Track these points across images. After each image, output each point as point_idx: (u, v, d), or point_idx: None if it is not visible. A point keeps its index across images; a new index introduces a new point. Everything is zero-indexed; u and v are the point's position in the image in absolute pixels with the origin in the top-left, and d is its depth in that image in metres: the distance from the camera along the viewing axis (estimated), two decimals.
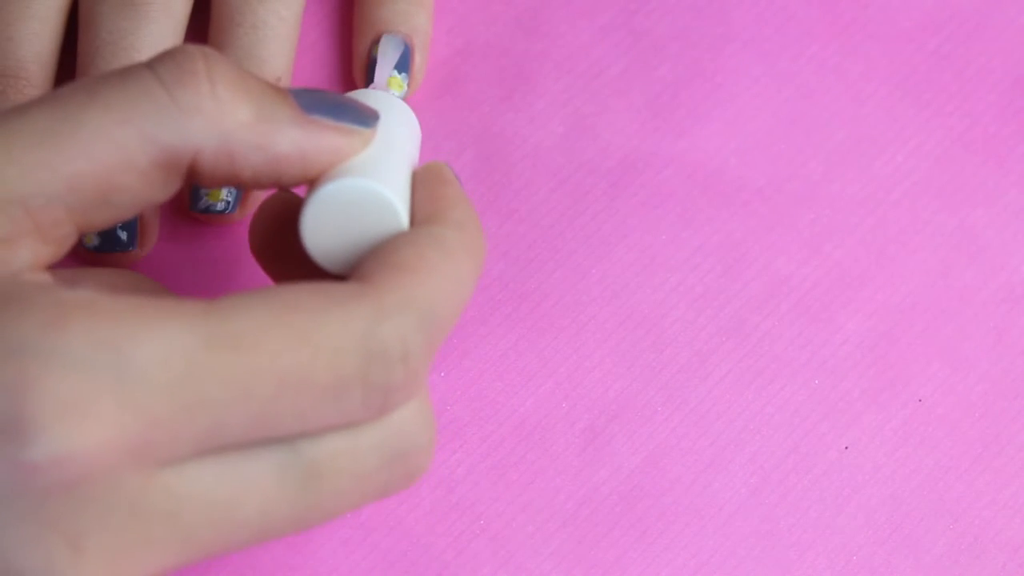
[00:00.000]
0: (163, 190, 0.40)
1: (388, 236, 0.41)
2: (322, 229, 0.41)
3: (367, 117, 0.42)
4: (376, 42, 0.53)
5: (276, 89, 0.41)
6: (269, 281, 0.51)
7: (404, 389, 0.39)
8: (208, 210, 0.50)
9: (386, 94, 0.45)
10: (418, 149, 0.45)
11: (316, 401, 0.38)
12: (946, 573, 0.48)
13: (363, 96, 0.45)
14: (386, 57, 0.52)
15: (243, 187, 0.41)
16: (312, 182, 0.41)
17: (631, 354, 0.50)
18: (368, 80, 0.52)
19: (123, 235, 0.49)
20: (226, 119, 0.40)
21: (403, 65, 0.53)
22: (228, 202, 0.50)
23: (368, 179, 0.41)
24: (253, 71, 0.51)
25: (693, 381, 0.50)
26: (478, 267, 0.41)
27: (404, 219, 0.41)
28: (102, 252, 0.49)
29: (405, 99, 0.53)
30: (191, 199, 0.50)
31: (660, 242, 0.52)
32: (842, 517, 0.49)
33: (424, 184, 0.43)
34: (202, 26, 0.54)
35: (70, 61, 0.52)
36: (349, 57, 0.54)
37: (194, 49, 0.40)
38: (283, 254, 0.44)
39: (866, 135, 0.54)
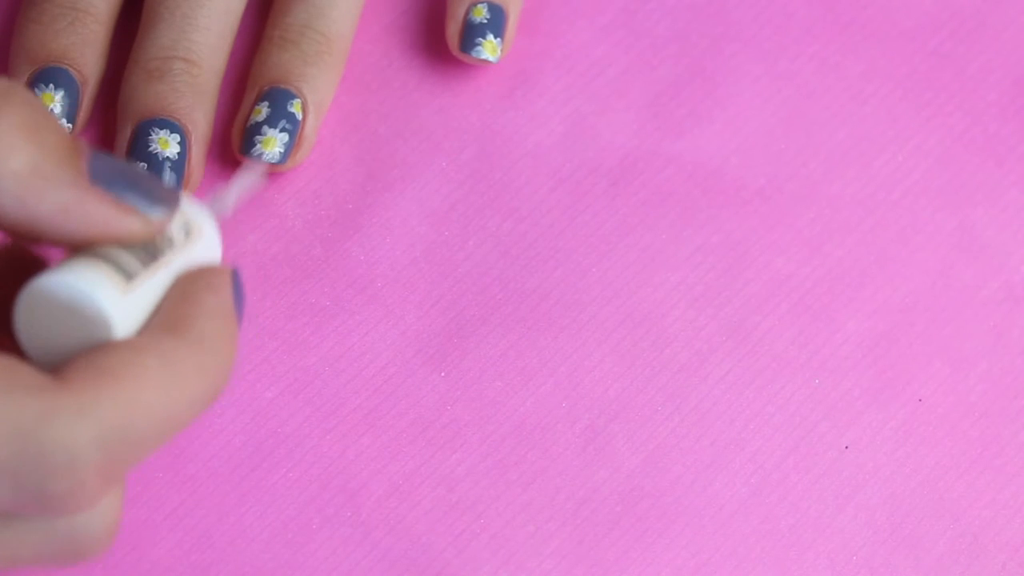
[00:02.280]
0: None
1: (96, 342, 0.37)
2: (34, 320, 0.38)
3: (160, 202, 0.39)
4: (475, 5, 0.53)
5: (70, 146, 0.38)
6: (272, 281, 0.51)
7: (67, 499, 0.36)
8: (260, 158, 0.50)
9: (200, 210, 0.41)
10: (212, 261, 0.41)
11: None
12: (946, 573, 0.48)
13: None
14: (241, 183, 0.48)
15: (5, 232, 0.38)
16: (72, 252, 0.38)
17: (631, 354, 0.50)
18: (139, 158, 0.50)
19: (173, 176, 0.50)
20: None
21: (499, 30, 0.53)
22: (279, 152, 0.50)
23: (80, 279, 0.37)
24: (323, 29, 0.51)
25: (693, 381, 0.50)
26: (211, 389, 0.38)
27: (116, 331, 0.37)
28: None
29: (496, 63, 0.53)
30: (244, 145, 0.51)
31: (660, 242, 0.52)
32: (842, 517, 0.49)
33: (182, 287, 0.39)
34: None
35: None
36: (349, 56, 0.54)
37: (1, 84, 0.38)
38: (8, 301, 0.40)
39: (866, 135, 0.54)
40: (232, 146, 0.51)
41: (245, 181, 0.47)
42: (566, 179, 0.53)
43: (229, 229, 0.51)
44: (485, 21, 0.53)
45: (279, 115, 0.51)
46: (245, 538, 0.47)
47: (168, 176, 0.50)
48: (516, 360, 0.50)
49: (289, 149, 0.51)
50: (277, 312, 0.50)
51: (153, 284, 0.39)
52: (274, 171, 0.51)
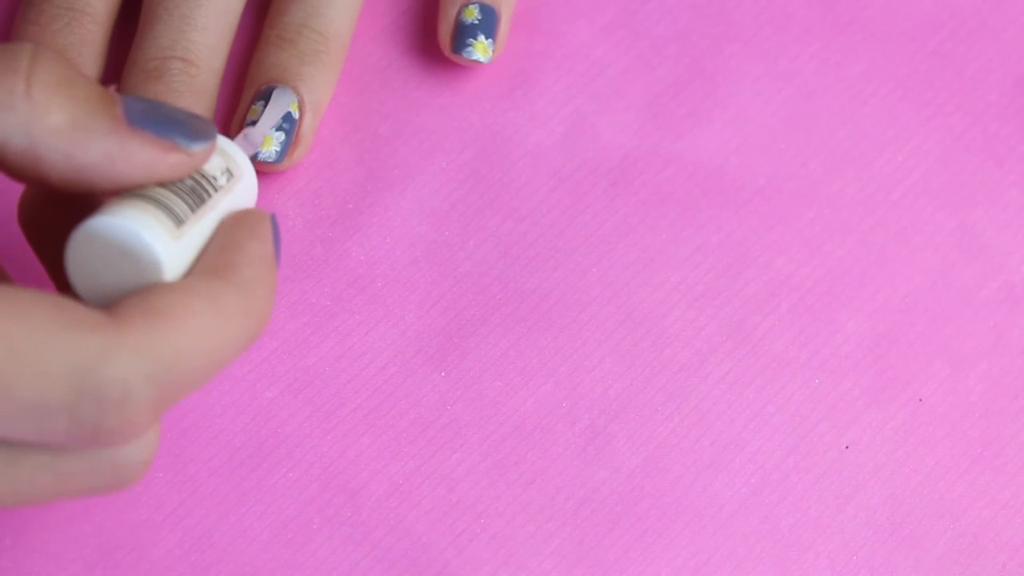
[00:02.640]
0: None
1: (147, 284, 0.39)
2: (86, 261, 0.39)
3: (198, 134, 0.40)
4: (467, 6, 0.53)
5: (103, 95, 0.39)
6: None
7: (117, 434, 0.37)
8: (256, 157, 0.51)
9: (236, 149, 0.42)
10: (251, 203, 0.43)
11: (14, 414, 0.36)
12: (946, 573, 0.48)
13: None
14: (277, 106, 0.50)
15: (52, 188, 0.40)
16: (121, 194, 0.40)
17: (631, 354, 0.50)
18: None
19: (276, 149, 0.50)
20: (36, 121, 0.38)
21: (490, 31, 0.53)
22: (276, 151, 0.51)
23: (133, 221, 0.38)
24: (320, 28, 0.52)
25: (693, 381, 0.50)
26: (252, 332, 0.39)
27: (166, 274, 0.39)
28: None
29: (488, 63, 0.53)
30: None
31: (660, 241, 0.52)
32: (842, 517, 0.49)
33: (227, 232, 0.40)
34: None
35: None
36: (349, 56, 0.54)
37: (25, 48, 0.39)
38: (50, 238, 0.42)
39: (866, 135, 0.54)
40: None
41: (275, 110, 0.49)
42: (566, 179, 0.53)
43: (274, 177, 0.52)
44: (476, 22, 0.53)
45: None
46: (245, 538, 0.47)
47: None
48: (516, 360, 0.50)
49: (286, 148, 0.51)
50: (277, 312, 0.50)
51: (201, 227, 0.40)
52: (272, 170, 0.51)
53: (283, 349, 0.50)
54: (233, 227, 0.41)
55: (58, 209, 0.42)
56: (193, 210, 0.40)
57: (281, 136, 0.51)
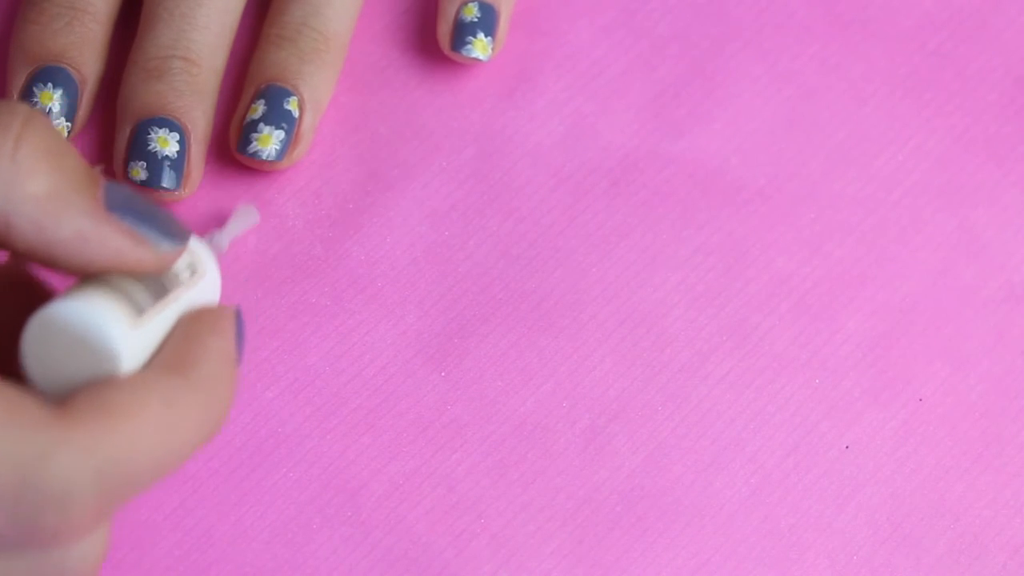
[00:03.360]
0: None
1: (103, 374, 0.38)
2: (43, 347, 0.38)
3: (173, 235, 0.39)
4: (467, 3, 0.53)
5: (88, 174, 0.38)
6: (272, 281, 0.51)
7: (58, 535, 0.36)
8: (256, 155, 0.50)
9: (202, 244, 0.42)
10: (213, 300, 0.42)
11: None
12: (946, 573, 0.48)
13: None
14: (239, 224, 0.49)
15: (18, 257, 0.39)
16: (82, 280, 0.39)
17: (631, 354, 0.50)
18: (138, 157, 0.50)
19: (172, 174, 0.50)
20: (15, 185, 0.37)
21: (490, 28, 0.53)
22: (276, 149, 0.51)
23: (94, 310, 0.37)
24: (319, 27, 0.52)
25: (693, 381, 0.50)
26: (208, 431, 0.38)
27: (124, 365, 0.38)
28: (147, 187, 0.50)
29: (487, 61, 0.53)
30: (240, 143, 0.51)
31: (660, 242, 0.52)
32: (842, 517, 0.49)
33: (187, 327, 0.39)
34: None
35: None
36: (349, 56, 0.54)
37: (21, 108, 0.38)
38: (6, 324, 0.40)
39: (866, 135, 0.54)
40: (230, 144, 0.51)
41: (241, 220, 0.48)
42: (566, 179, 0.53)
43: (274, 175, 0.52)
44: (476, 20, 0.53)
45: (275, 112, 0.51)
46: (245, 538, 0.47)
47: (167, 174, 0.50)
48: (516, 360, 0.50)
49: (286, 146, 0.51)
50: (277, 312, 0.50)
51: (160, 320, 0.39)
52: (272, 168, 0.51)
53: (283, 349, 0.50)
54: (194, 321, 0.40)
55: (8, 291, 0.41)
56: (154, 301, 0.39)
57: (281, 135, 0.51)
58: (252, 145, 0.51)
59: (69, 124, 0.51)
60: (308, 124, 0.51)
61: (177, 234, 0.39)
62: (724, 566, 0.48)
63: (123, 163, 0.50)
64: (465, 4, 0.53)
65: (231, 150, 0.51)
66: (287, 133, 0.51)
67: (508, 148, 0.53)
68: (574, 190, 0.53)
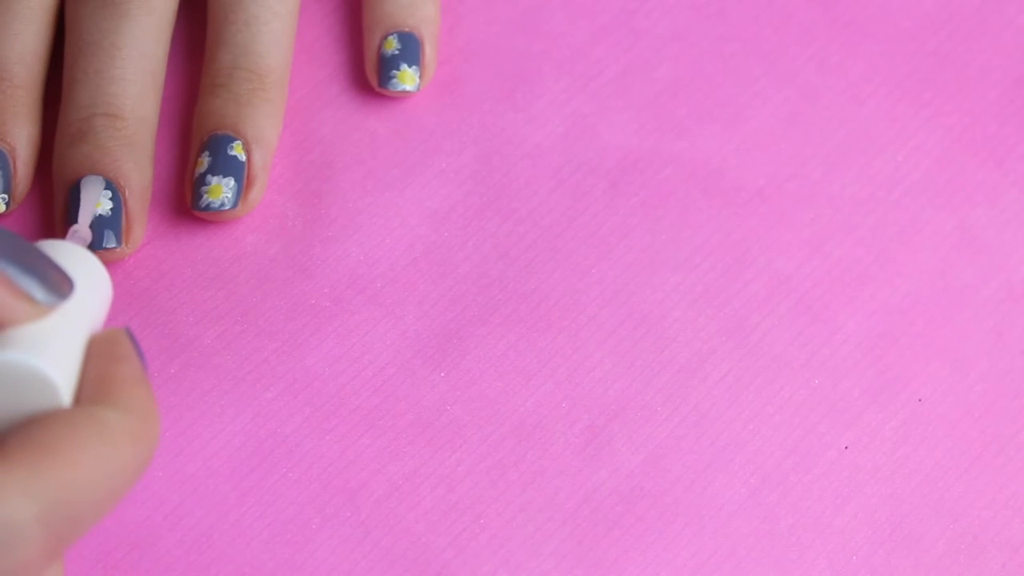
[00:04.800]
0: None
1: (48, 409, 0.38)
2: None
3: (56, 289, 0.39)
4: (386, 37, 0.53)
5: None
6: (272, 282, 0.51)
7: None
8: (208, 208, 0.50)
9: (78, 248, 0.41)
10: (105, 310, 0.42)
11: None
12: (946, 573, 0.48)
13: (54, 249, 0.41)
14: (89, 197, 0.49)
15: None
16: None
17: (631, 354, 0.50)
18: (72, 221, 0.49)
19: (110, 233, 0.49)
20: None
21: (414, 58, 0.53)
22: (228, 198, 0.50)
23: (29, 355, 0.38)
24: (250, 67, 0.51)
25: (693, 381, 0.50)
26: (144, 455, 0.38)
27: (65, 399, 0.38)
28: (91, 250, 0.49)
29: (418, 91, 0.53)
30: (192, 199, 0.50)
31: (660, 242, 0.52)
32: (842, 517, 0.49)
33: (96, 359, 0.39)
34: (198, 21, 0.54)
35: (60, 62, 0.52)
36: (349, 56, 0.54)
37: None
38: None
39: (866, 135, 0.54)
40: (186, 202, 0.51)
41: (89, 197, 0.48)
42: (566, 180, 0.53)
43: (228, 230, 0.51)
44: (397, 52, 0.52)
45: (221, 161, 0.50)
46: (245, 538, 0.47)
47: (105, 234, 0.49)
48: (516, 360, 0.50)
49: (238, 192, 0.50)
50: (277, 312, 0.50)
51: (78, 346, 0.39)
52: (231, 217, 0.51)
53: (282, 349, 0.50)
54: (97, 357, 0.39)
55: None
56: (65, 329, 0.39)
57: (231, 182, 0.50)
58: (203, 199, 0.50)
59: (5, 196, 0.50)
60: (259, 164, 0.50)
61: (59, 287, 0.39)
62: (724, 566, 0.48)
63: (63, 230, 0.49)
64: (385, 37, 0.53)
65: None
66: (237, 179, 0.50)
67: (507, 148, 0.53)
68: (573, 191, 0.53)
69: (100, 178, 0.49)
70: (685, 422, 0.50)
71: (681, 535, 0.48)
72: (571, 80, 0.54)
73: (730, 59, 0.55)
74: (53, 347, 0.38)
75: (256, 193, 0.50)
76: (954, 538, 0.49)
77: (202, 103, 0.51)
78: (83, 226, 0.48)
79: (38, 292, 0.39)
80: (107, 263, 0.49)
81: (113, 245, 0.49)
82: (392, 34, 0.53)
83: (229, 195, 0.50)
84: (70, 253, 0.41)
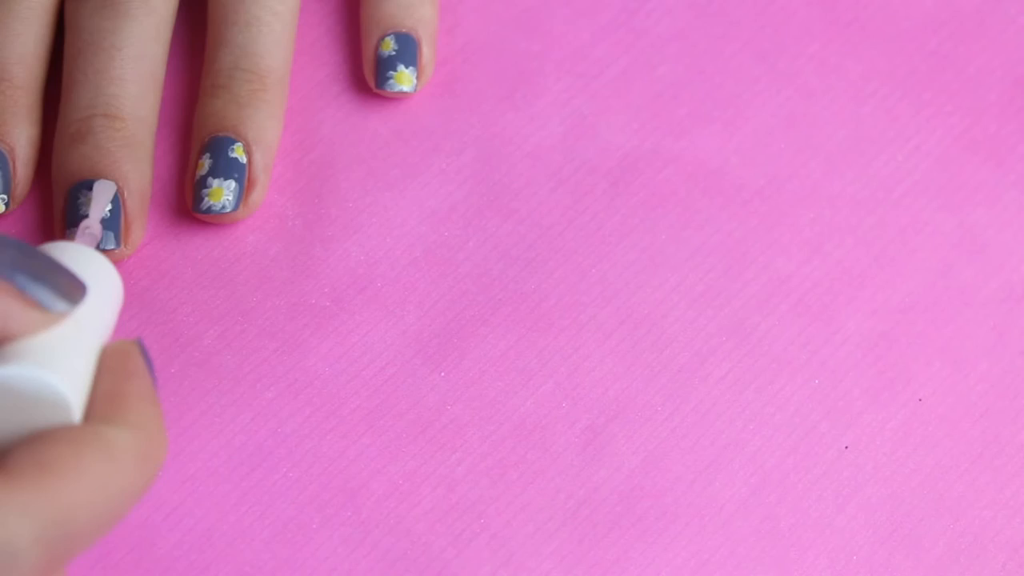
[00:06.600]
0: None
1: (57, 424, 0.37)
2: None
3: (68, 295, 0.38)
4: (383, 38, 0.53)
5: None
6: (273, 282, 0.51)
7: None
8: (210, 211, 0.50)
9: (88, 250, 0.41)
10: (117, 313, 0.41)
11: None
12: (946, 573, 0.48)
13: (63, 252, 0.40)
14: (99, 199, 0.48)
15: None
16: None
17: (631, 354, 0.50)
18: (73, 223, 0.49)
19: (109, 235, 0.49)
20: None
21: (411, 59, 0.53)
22: (229, 200, 0.50)
23: (42, 370, 0.37)
24: (251, 68, 0.51)
25: (693, 381, 0.50)
26: (150, 473, 0.38)
27: (76, 414, 0.38)
28: None
29: (415, 92, 0.53)
30: (193, 201, 0.50)
31: (660, 242, 0.52)
32: (842, 517, 0.49)
33: (108, 375, 0.39)
34: (198, 22, 0.54)
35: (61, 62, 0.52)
36: (349, 56, 0.54)
37: None
38: None
39: (866, 135, 0.54)
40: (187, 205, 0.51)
41: (101, 197, 0.47)
42: (566, 180, 0.53)
43: (229, 230, 0.51)
44: (394, 53, 0.52)
45: (222, 164, 0.50)
46: (245, 538, 0.47)
47: (104, 235, 0.49)
48: (516, 360, 0.50)
49: (239, 195, 0.50)
50: (277, 312, 0.50)
51: (90, 357, 0.39)
52: (232, 220, 0.50)
53: (282, 349, 0.50)
54: (109, 372, 0.39)
55: None
56: (76, 343, 0.39)
57: (232, 184, 0.50)
58: (204, 202, 0.50)
59: (5, 196, 0.50)
60: (259, 166, 0.50)
61: (71, 293, 0.39)
62: (724, 566, 0.48)
63: (62, 232, 0.49)
64: (382, 39, 0.53)
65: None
66: (238, 181, 0.50)
67: (508, 148, 0.53)
68: (574, 191, 0.53)
69: (110, 183, 0.49)
70: (685, 422, 0.50)
71: (681, 535, 0.48)
72: (571, 80, 0.54)
73: (730, 59, 0.55)
74: (66, 360, 0.38)
75: (257, 195, 0.50)
76: (954, 538, 0.49)
77: (202, 104, 0.51)
78: (94, 221, 0.47)
79: (49, 300, 0.38)
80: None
81: (112, 246, 0.49)
82: (389, 35, 0.53)
83: (230, 198, 0.50)
84: (80, 256, 0.41)
